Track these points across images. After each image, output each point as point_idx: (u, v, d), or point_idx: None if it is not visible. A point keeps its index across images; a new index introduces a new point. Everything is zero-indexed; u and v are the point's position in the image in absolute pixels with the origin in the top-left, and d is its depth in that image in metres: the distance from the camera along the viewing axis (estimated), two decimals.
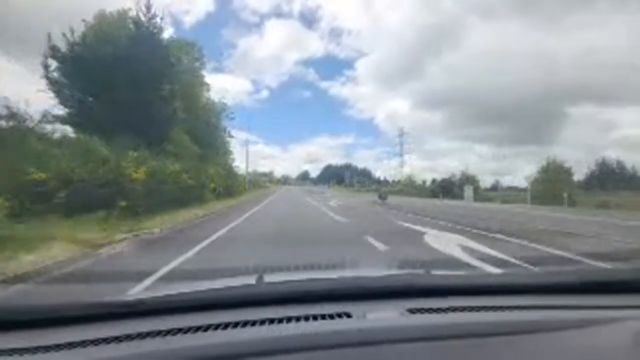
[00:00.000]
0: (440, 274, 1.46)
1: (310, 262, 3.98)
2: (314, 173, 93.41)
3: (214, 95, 28.33)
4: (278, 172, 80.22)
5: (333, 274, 1.58)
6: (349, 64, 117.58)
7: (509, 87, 63.81)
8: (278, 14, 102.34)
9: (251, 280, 1.18)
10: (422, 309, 0.90)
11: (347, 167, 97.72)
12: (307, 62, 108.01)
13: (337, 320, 0.84)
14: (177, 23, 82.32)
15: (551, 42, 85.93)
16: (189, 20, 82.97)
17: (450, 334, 0.78)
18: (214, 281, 1.46)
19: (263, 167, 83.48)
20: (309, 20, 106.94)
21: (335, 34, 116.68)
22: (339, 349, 0.71)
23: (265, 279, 1.18)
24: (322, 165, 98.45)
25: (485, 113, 71.66)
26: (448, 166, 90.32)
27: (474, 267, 4.52)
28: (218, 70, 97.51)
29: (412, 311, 0.88)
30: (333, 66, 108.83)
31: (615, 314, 0.88)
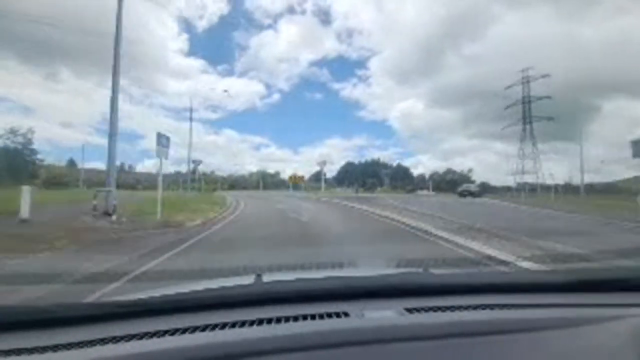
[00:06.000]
0: (438, 273, 1.54)
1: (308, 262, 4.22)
2: (329, 174, 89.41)
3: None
4: (287, 175, 71.38)
5: (331, 273, 1.71)
6: (361, 64, 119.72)
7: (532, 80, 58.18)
8: (289, 16, 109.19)
9: (249, 280, 1.28)
10: (420, 307, 0.97)
11: (375, 164, 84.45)
12: (319, 64, 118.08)
13: (335, 319, 0.90)
14: (190, 28, 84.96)
15: (580, 30, 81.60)
16: (202, 25, 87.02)
17: (449, 333, 0.84)
18: (212, 281, 1.60)
19: (273, 170, 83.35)
20: (320, 21, 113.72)
21: (347, 34, 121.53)
22: (337, 349, 0.76)
23: (264, 278, 1.27)
24: (334, 167, 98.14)
25: (504, 108, 64.57)
26: (464, 165, 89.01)
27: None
28: (230, 73, 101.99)
29: (410, 310, 0.96)
30: (345, 67, 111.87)
31: (613, 312, 0.95)
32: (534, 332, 0.83)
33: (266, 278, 1.28)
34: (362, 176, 79.02)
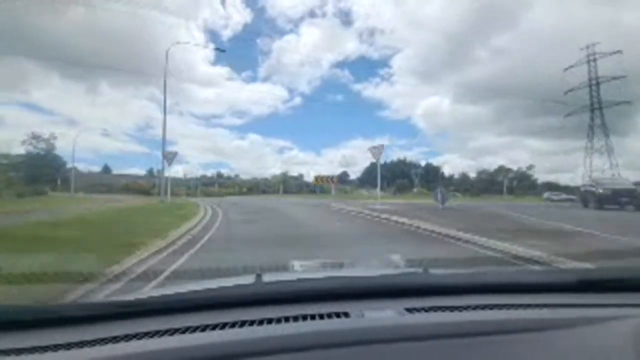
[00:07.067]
0: (438, 273, 1.53)
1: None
2: (352, 175, 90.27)
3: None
4: (310, 177, 70.00)
5: (331, 274, 1.74)
6: (383, 63, 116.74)
7: (571, 70, 49.51)
8: (310, 19, 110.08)
9: (249, 279, 1.29)
10: (420, 308, 0.98)
11: (402, 163, 79.63)
12: (340, 65, 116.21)
13: (335, 319, 0.92)
14: (215, 38, 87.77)
15: (624, 15, 71.44)
16: (227, 34, 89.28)
17: (449, 333, 0.85)
18: (213, 281, 1.60)
19: (296, 172, 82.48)
20: (341, 22, 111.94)
21: (368, 33, 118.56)
22: (337, 349, 0.77)
23: (264, 278, 1.28)
24: (357, 168, 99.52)
25: (541, 102, 60.42)
26: (494, 164, 79.65)
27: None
28: (254, 79, 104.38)
29: (410, 310, 0.97)
30: (367, 67, 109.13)
31: (613, 312, 0.96)
32: (534, 332, 0.84)
33: (266, 278, 1.30)
34: (392, 177, 72.73)
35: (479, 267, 5.25)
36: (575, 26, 73.02)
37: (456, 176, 77.44)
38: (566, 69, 46.69)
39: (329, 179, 42.99)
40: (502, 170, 71.75)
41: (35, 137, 49.88)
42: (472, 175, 74.36)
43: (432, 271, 1.41)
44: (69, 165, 58.31)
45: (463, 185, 67.86)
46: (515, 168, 70.38)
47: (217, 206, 17.97)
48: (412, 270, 1.67)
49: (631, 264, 5.19)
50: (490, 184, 64.04)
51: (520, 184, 65.52)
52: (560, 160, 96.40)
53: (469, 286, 1.18)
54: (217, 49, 33.54)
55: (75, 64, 63.48)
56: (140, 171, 76.32)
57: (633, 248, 6.19)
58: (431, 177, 72.13)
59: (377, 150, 18.48)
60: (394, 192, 62.39)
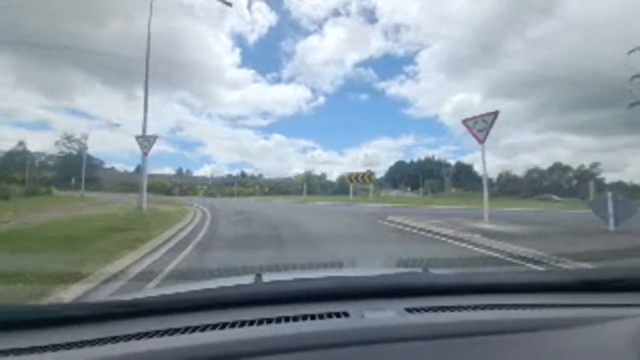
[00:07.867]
0: (438, 273, 1.52)
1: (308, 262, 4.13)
2: (376, 175, 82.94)
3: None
4: (334, 177, 67.55)
5: (331, 273, 1.69)
6: (408, 59, 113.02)
7: (616, 60, 37.21)
8: (334, 19, 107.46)
9: (249, 280, 1.31)
10: (420, 308, 0.99)
11: (430, 162, 74.13)
12: (364, 64, 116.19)
13: (335, 319, 0.93)
14: (242, 42, 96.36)
15: None
16: (252, 38, 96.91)
17: (449, 333, 0.86)
18: (212, 281, 1.63)
19: (319, 172, 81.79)
20: (365, 21, 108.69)
21: (394, 30, 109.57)
22: (337, 349, 0.78)
23: (264, 278, 1.30)
24: (381, 168, 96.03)
25: (582, 96, 57.90)
26: (530, 163, 76.60)
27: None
28: (278, 80, 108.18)
29: (410, 310, 0.97)
30: (391, 65, 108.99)
31: (613, 312, 0.96)
32: (534, 332, 0.84)
33: (266, 278, 1.31)
34: (421, 176, 67.53)
35: (478, 267, 5.29)
36: (623, 8, 63.54)
37: (491, 175, 69.56)
38: (630, 52, 39.42)
39: (366, 176, 33.74)
40: (557, 168, 63.32)
41: (68, 137, 53.01)
42: (517, 173, 66.44)
43: (432, 271, 1.42)
44: (107, 166, 61.06)
45: (508, 186, 60.74)
46: (574, 166, 61.68)
47: (211, 217, 12.94)
48: (412, 270, 1.68)
49: (630, 264, 5.16)
50: (540, 184, 56.63)
51: (583, 185, 57.30)
52: (606, 157, 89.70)
53: (468, 286, 1.18)
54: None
55: (115, 71, 67.67)
56: (171, 171, 79.74)
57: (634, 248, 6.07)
58: (463, 176, 65.83)
59: (483, 124, 9.87)
60: (425, 193, 57.66)
